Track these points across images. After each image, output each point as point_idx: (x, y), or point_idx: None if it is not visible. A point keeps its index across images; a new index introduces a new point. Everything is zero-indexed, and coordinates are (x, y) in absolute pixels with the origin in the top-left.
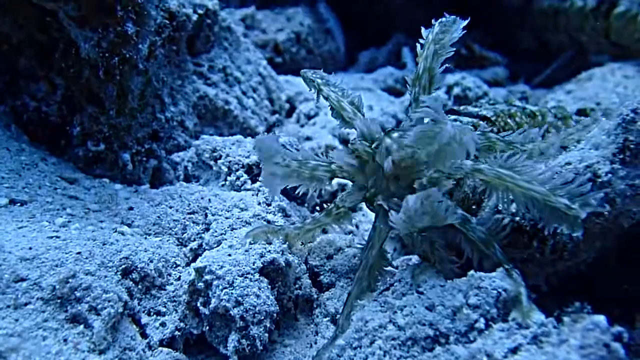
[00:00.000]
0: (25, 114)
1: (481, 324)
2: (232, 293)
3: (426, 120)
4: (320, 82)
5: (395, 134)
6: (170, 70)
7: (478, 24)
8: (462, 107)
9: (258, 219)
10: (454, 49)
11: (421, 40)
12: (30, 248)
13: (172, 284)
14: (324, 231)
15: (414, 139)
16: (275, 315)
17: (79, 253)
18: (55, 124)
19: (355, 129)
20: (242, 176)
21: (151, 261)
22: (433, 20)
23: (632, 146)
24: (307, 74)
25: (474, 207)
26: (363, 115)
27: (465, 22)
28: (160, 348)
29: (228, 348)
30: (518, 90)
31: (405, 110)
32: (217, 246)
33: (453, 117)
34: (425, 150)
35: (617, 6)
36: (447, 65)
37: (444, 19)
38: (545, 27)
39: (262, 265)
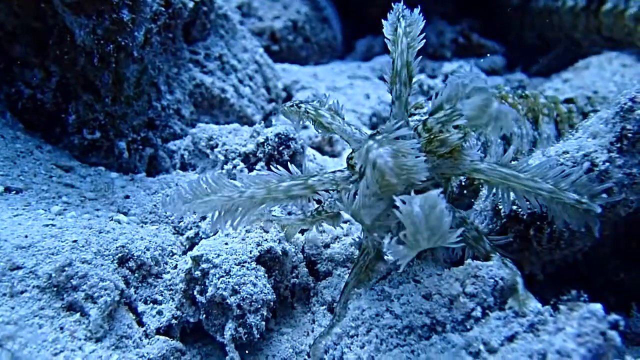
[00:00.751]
0: (20, 101)
1: (478, 312)
2: (228, 281)
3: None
4: (297, 102)
5: (378, 137)
6: (166, 58)
7: (477, 14)
8: None
9: None
10: (424, 37)
11: (388, 36)
12: (26, 236)
13: (168, 272)
14: None
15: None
16: (272, 303)
17: (75, 241)
18: (50, 112)
19: (336, 134)
20: (239, 165)
21: (148, 250)
22: (389, 15)
23: (629, 135)
24: (284, 106)
25: (456, 202)
26: (342, 119)
27: (419, 9)
28: (157, 336)
29: (225, 336)
30: (515, 78)
31: (390, 110)
32: (214, 235)
33: None
34: (482, 120)
35: (604, 3)
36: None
37: (400, 8)
38: (543, 26)
39: (258, 253)
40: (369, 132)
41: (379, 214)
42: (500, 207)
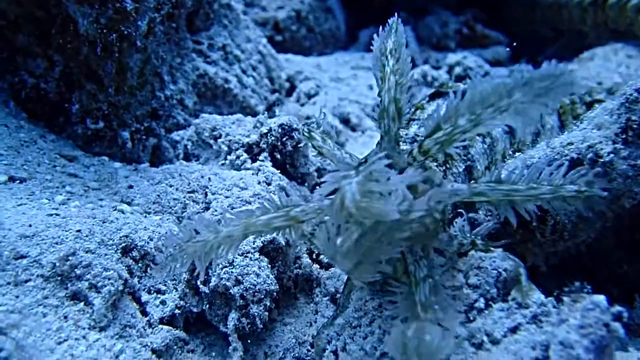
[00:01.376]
0: (23, 90)
1: (481, 303)
2: (232, 272)
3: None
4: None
5: (361, 167)
6: (170, 47)
7: (482, 5)
8: (451, 84)
9: (258, 198)
10: (414, 74)
11: (376, 72)
12: (30, 225)
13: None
14: None
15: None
16: (275, 294)
17: (78, 231)
18: (54, 101)
19: (327, 159)
20: (242, 155)
21: (151, 239)
22: (376, 40)
23: (635, 126)
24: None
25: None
26: (334, 142)
27: (404, 38)
28: (160, 326)
29: (228, 326)
30: (520, 70)
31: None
32: None
33: None
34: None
35: None
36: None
37: (389, 40)
38: (553, 19)
39: (262, 244)
40: (360, 156)
41: (355, 264)
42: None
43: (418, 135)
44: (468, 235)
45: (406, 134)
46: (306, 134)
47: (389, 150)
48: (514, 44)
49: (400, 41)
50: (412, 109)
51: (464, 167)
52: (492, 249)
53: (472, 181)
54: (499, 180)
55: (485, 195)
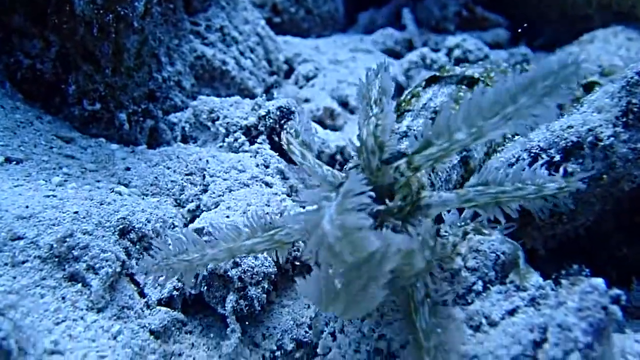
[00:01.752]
0: (19, 71)
1: (479, 286)
2: None
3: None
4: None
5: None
6: (167, 29)
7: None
8: (448, 67)
9: (256, 180)
10: (396, 122)
11: (360, 120)
12: (27, 207)
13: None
14: None
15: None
16: (273, 276)
17: (76, 212)
18: (50, 82)
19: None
20: (240, 138)
21: (149, 222)
22: (361, 85)
23: (635, 109)
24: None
25: None
26: (314, 155)
27: (391, 83)
28: (158, 307)
29: (226, 308)
30: (519, 52)
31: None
32: (215, 207)
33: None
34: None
35: None
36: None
37: (374, 89)
38: (556, 2)
39: None
40: (341, 175)
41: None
42: None
43: (410, 129)
44: (459, 224)
45: (398, 127)
46: (285, 146)
47: (369, 176)
48: (525, 25)
49: (386, 89)
50: (408, 97)
51: (459, 159)
52: (487, 232)
53: (467, 173)
54: (486, 182)
55: (475, 201)
